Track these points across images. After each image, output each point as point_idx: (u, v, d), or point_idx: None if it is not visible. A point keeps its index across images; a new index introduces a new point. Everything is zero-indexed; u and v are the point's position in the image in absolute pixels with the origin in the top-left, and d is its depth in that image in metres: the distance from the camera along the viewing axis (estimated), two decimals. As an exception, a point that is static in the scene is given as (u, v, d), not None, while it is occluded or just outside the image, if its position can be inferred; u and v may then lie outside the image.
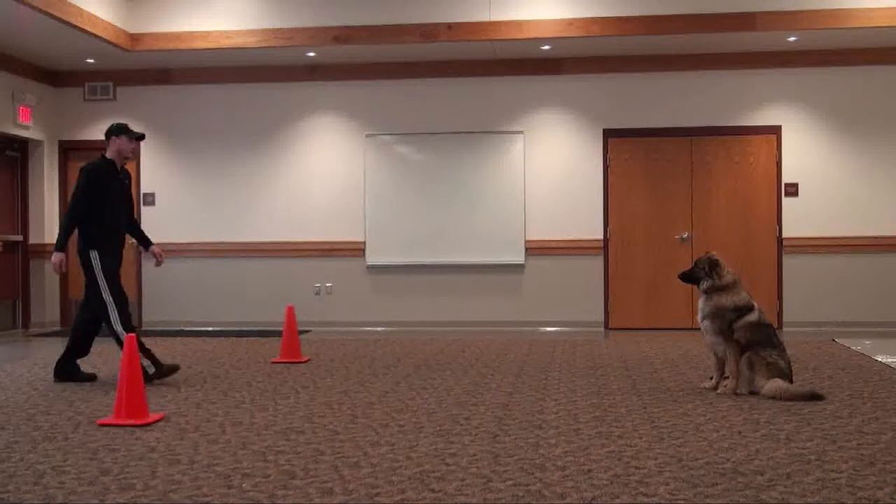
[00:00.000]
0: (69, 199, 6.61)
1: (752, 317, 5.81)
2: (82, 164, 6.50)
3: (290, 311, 7.70)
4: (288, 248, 10.64)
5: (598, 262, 10.25)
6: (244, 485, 3.70)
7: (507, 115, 10.42)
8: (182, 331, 10.33)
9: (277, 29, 9.60)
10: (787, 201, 10.07)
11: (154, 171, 10.84)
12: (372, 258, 10.54)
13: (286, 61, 10.40)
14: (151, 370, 6.34)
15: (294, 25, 9.59)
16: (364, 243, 10.54)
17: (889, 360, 7.29)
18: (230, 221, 10.72)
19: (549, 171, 10.36)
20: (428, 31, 9.42)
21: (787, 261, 10.07)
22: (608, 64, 10.24)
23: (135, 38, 9.71)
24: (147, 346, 6.47)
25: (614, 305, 10.20)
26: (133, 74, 10.77)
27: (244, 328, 10.45)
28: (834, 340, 8.72)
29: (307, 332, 10.00)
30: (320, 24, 9.57)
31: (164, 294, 10.77)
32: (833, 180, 10.04)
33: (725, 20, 9.09)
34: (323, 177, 10.65)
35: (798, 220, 10.04)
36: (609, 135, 10.30)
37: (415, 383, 6.34)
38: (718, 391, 5.84)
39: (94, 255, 6.31)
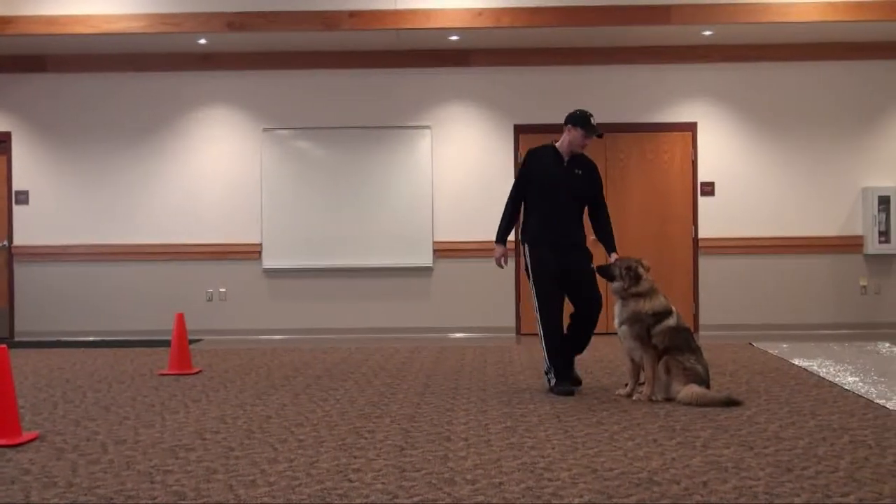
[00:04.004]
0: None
1: (671, 321, 5.95)
2: None
3: (180, 319, 7.59)
4: (177, 250, 10.44)
5: (510, 265, 10.33)
6: (128, 508, 3.62)
7: (414, 108, 10.43)
8: (60, 341, 10.04)
9: (165, 14, 9.41)
10: (703, 201, 10.34)
11: (27, 168, 10.51)
12: (269, 261, 10.42)
13: (175, 49, 10.20)
14: None
15: (184, 10, 9.41)
16: (260, 245, 10.42)
17: (806, 363, 7.54)
18: (113, 222, 10.46)
19: (457, 169, 10.42)
20: (329, 19, 9.36)
21: (704, 262, 10.34)
22: (519, 56, 10.35)
23: (5, 20, 9.38)
24: None
25: (526, 310, 10.30)
26: (4, 61, 10.41)
27: (129, 338, 10.20)
28: (751, 344, 8.98)
29: (198, 341, 9.84)
30: (212, 10, 9.41)
31: (39, 302, 10.44)
32: (749, 179, 10.34)
33: (639, 13, 9.28)
34: (216, 174, 10.49)
35: (714, 220, 10.32)
36: (520, 130, 10.40)
37: (315, 395, 6.30)
38: (634, 398, 5.95)
39: None
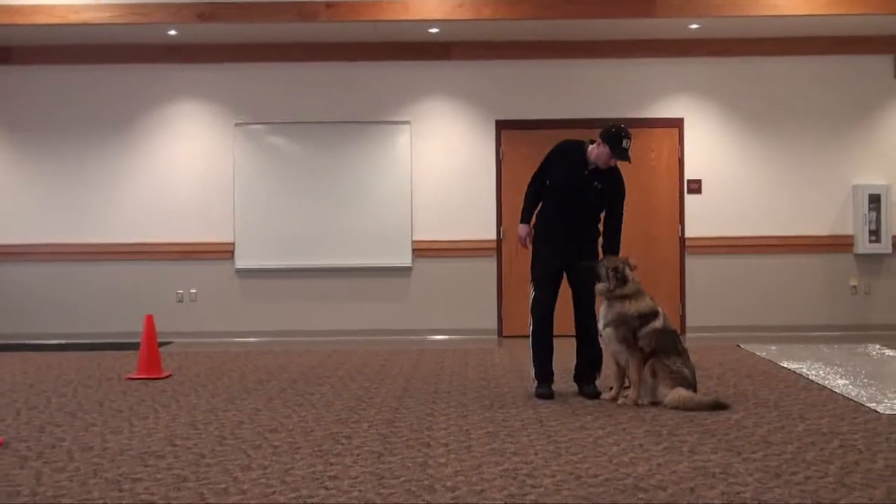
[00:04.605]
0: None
1: (657, 323, 5.97)
2: None
3: (149, 321, 7.56)
4: (146, 249, 10.39)
5: (491, 265, 10.35)
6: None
7: (393, 103, 10.43)
8: (23, 345, 9.96)
9: (134, 3, 9.32)
10: (689, 199, 10.38)
11: (-11, 163, 10.46)
12: (241, 261, 10.39)
13: (143, 40, 10.15)
14: None
15: (152, 0, 9.36)
16: (233, 244, 10.39)
17: (795, 365, 7.59)
18: (79, 220, 10.40)
19: (437, 165, 10.42)
20: (305, 10, 9.32)
21: (690, 262, 10.39)
22: (501, 50, 10.36)
23: (-34, 10, 9.32)
24: None
25: (508, 311, 10.32)
26: (-36, 53, 10.35)
27: (96, 340, 10.14)
28: (739, 346, 9.03)
29: (168, 343, 9.79)
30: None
31: (0, 303, 10.37)
32: (737, 177, 10.40)
33: (624, 5, 9.29)
34: (186, 170, 10.44)
35: (701, 218, 10.37)
36: (502, 126, 10.42)
37: (290, 399, 6.29)
38: (619, 402, 5.97)
39: None
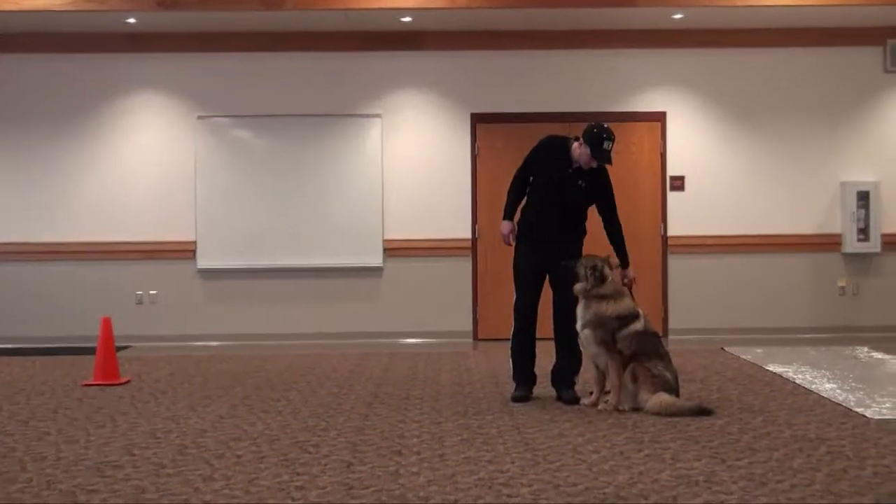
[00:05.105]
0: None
1: (638, 325, 6.00)
2: None
3: (107, 324, 7.52)
4: (103, 249, 10.32)
5: (466, 265, 10.36)
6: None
7: (363, 95, 10.41)
8: (-27, 349, 9.89)
9: (90, -10, 9.31)
10: (672, 196, 10.43)
11: (-64, 158, 10.36)
12: (204, 261, 10.35)
13: (101, 29, 10.08)
14: None
15: (110, -14, 9.32)
16: (195, 243, 10.34)
17: (781, 369, 7.65)
18: (31, 218, 10.31)
19: (410, 161, 10.41)
20: (270, -3, 9.31)
21: (673, 262, 10.43)
22: (477, 40, 10.36)
23: (-89, -4, 9.23)
24: None
25: (483, 313, 10.33)
26: None
27: (50, 345, 10.06)
28: (723, 349, 9.08)
29: (127, 348, 9.74)
30: (142, -14, 9.33)
31: (-51, 305, 10.29)
32: (721, 173, 10.45)
33: (606, -6, 9.36)
34: (146, 166, 10.38)
35: (684, 216, 10.41)
36: (478, 119, 10.42)
37: (255, 406, 6.27)
38: (599, 408, 5.99)
39: None
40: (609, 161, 6.30)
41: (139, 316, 10.33)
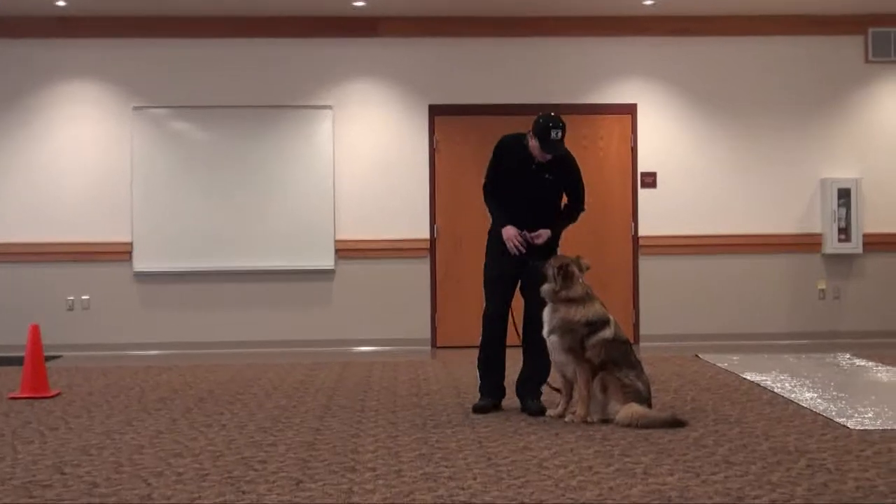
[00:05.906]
0: None
1: (607, 333, 6.01)
2: None
3: (34, 332, 7.45)
4: (30, 250, 10.23)
5: (424, 267, 10.37)
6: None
7: (313, 85, 10.40)
8: None
9: (15, -30, 9.23)
10: (643, 193, 10.51)
11: None
12: (141, 263, 10.29)
13: (27, 11, 10.01)
14: None
15: (38, -34, 9.25)
16: (131, 245, 10.28)
17: (758, 377, 7.71)
18: (-48, 217, 10.22)
19: (364, 156, 10.41)
20: (212, -20, 9.29)
21: (644, 263, 10.51)
22: (435, 26, 10.38)
23: None
24: None
25: (443, 319, 10.34)
26: None
27: (-28, 355, 9.98)
28: (697, 356, 9.15)
29: (57, 357, 9.66)
30: (72, -34, 9.27)
31: None
32: (695, 169, 10.54)
33: (572, -22, 9.43)
34: (77, 160, 10.31)
35: (656, 215, 10.49)
36: (436, 112, 10.44)
37: (197, 420, 6.24)
38: (566, 419, 6.01)
39: None
40: (558, 152, 6.29)
41: (70, 323, 10.25)
